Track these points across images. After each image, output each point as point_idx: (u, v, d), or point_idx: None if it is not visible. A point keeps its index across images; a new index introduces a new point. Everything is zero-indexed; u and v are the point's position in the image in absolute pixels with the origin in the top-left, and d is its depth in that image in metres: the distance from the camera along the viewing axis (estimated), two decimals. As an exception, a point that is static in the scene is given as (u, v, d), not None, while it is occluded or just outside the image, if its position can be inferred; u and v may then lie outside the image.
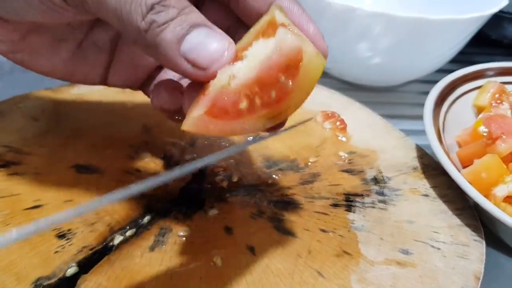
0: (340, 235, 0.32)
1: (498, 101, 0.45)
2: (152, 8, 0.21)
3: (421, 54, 0.49)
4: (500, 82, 0.46)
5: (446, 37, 0.47)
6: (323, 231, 0.32)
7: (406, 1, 0.60)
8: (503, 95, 0.45)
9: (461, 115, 0.45)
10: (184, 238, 0.30)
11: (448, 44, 0.49)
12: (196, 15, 0.22)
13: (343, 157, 0.39)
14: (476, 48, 0.63)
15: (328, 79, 0.55)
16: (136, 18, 0.21)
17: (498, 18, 0.57)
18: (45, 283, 0.27)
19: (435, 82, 0.43)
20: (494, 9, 0.47)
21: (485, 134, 0.40)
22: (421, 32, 0.45)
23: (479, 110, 0.45)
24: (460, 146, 0.42)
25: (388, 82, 0.55)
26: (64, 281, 0.27)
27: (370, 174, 0.37)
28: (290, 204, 0.34)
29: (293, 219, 0.32)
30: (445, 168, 0.34)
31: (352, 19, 0.45)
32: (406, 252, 0.31)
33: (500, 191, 0.35)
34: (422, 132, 0.37)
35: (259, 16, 0.23)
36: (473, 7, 0.50)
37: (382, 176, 0.37)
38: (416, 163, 0.39)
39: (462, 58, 0.55)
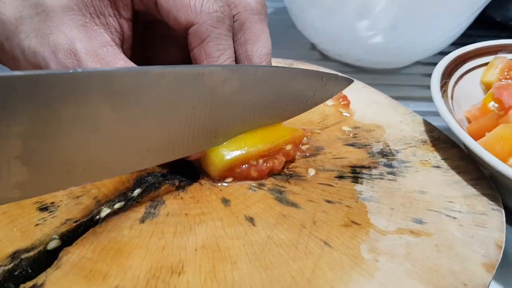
0: (347, 206, 0.29)
1: (508, 77, 0.43)
2: None
3: (423, 33, 0.47)
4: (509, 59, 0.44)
5: (450, 13, 0.45)
6: (329, 202, 0.29)
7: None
8: (511, 71, 0.43)
9: (469, 92, 0.42)
10: (178, 210, 0.28)
11: (452, 21, 0.47)
12: None
13: (347, 131, 0.37)
14: (481, 31, 0.61)
15: (328, 61, 0.53)
16: None
17: (503, 0, 0.55)
18: (23, 256, 0.24)
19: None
20: (499, -16, 0.46)
21: (495, 110, 0.38)
22: (424, 7, 0.44)
23: (487, 87, 0.43)
24: (469, 121, 0.40)
25: (390, 63, 0.53)
26: (44, 254, 0.24)
27: (376, 147, 0.35)
28: (292, 176, 0.31)
29: (295, 191, 0.30)
30: (458, 135, 0.32)
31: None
32: (419, 221, 0.28)
33: (516, 162, 0.33)
34: (428, 113, 0.35)
35: (179, 24, 0.28)
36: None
37: (390, 149, 0.35)
38: (425, 136, 0.37)
39: (467, 40, 0.53)
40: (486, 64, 0.44)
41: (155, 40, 0.34)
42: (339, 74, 0.33)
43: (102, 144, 0.23)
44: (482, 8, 0.47)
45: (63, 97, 0.20)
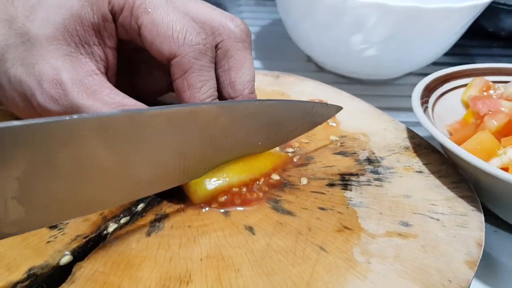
0: (339, 212, 0.31)
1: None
2: None
3: (415, 46, 0.48)
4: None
5: (442, 27, 0.47)
6: (322, 209, 0.31)
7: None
8: (490, 90, 0.45)
9: (451, 110, 0.44)
10: (181, 222, 0.30)
11: (444, 34, 0.48)
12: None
13: (334, 140, 0.39)
14: (473, 41, 0.62)
15: (323, 73, 0.55)
16: None
17: (494, 10, 0.55)
18: (38, 272, 0.25)
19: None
20: (490, -2, 0.47)
21: (475, 125, 0.40)
22: (416, 22, 0.45)
23: (468, 105, 0.45)
24: (451, 134, 0.42)
25: (383, 75, 0.55)
26: (58, 270, 0.26)
27: (363, 155, 0.37)
28: (286, 185, 0.33)
29: (290, 199, 0.32)
30: (440, 141, 0.34)
31: (345, 10, 0.45)
32: (406, 224, 0.30)
33: (494, 163, 0.35)
34: (419, 124, 0.37)
35: (162, 56, 0.29)
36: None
37: (375, 156, 0.37)
38: (407, 143, 0.39)
39: (458, 51, 0.55)
40: (466, 85, 0.47)
41: (140, 66, 0.35)
42: (328, 103, 0.35)
43: (95, 181, 0.24)
44: (473, 20, 0.49)
45: (60, 143, 0.21)
